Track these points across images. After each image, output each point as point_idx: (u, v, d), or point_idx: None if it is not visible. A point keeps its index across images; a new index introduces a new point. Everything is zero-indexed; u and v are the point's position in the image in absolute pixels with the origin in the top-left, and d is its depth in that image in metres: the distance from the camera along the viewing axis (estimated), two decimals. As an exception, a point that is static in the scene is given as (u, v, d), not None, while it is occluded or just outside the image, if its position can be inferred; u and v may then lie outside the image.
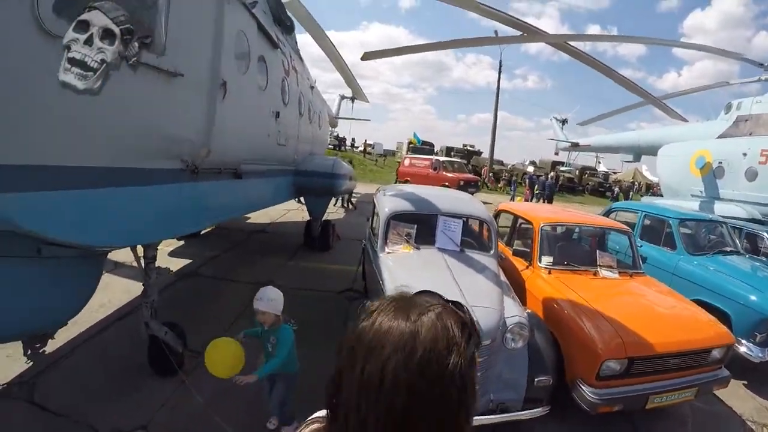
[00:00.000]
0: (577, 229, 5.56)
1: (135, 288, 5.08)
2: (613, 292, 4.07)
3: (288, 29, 6.58)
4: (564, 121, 27.54)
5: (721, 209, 9.18)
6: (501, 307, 3.12)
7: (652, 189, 33.10)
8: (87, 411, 3.09)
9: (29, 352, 2.94)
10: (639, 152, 16.03)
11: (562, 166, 31.16)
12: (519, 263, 4.63)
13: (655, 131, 14.91)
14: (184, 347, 3.60)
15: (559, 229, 5.24)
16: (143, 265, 3.57)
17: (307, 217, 10.80)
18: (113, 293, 5.00)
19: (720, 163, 10.22)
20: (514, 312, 3.16)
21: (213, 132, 3.53)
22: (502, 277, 3.86)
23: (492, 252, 4.22)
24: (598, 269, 4.33)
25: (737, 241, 6.13)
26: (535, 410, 3.03)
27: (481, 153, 36.98)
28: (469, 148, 37.87)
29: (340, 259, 7.69)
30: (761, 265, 5.59)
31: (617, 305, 3.65)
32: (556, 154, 29.22)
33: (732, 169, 9.90)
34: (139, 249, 3.60)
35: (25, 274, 2.37)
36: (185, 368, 3.59)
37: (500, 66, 27.87)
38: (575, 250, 5.18)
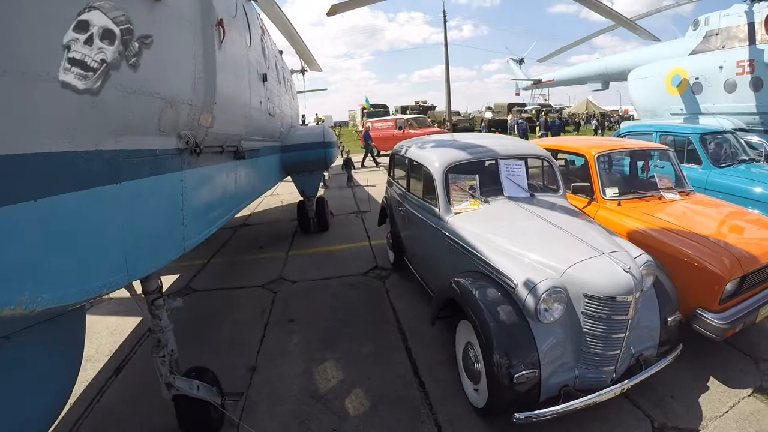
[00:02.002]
0: (620, 157, 5.16)
1: (122, 326, 4.17)
2: (689, 212, 3.81)
3: None
4: (521, 61, 27.34)
5: (706, 123, 9.34)
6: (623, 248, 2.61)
7: (608, 117, 34.13)
8: None
9: None
10: (607, 79, 16.07)
11: (520, 107, 31.13)
12: (577, 200, 4.15)
13: (621, 57, 14.85)
14: (221, 396, 2.66)
15: (608, 159, 4.81)
16: (146, 304, 2.43)
17: (285, 200, 9.88)
18: (99, 339, 3.94)
19: (697, 78, 10.37)
20: (634, 251, 2.68)
21: (216, 91, 2.61)
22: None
23: (561, 192, 3.69)
24: (661, 192, 4.10)
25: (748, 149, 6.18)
26: (675, 353, 2.66)
27: (435, 107, 36.92)
28: (422, 104, 38.11)
29: (343, 236, 6.89)
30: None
31: (703, 225, 3.44)
32: (517, 94, 29.18)
33: (710, 83, 10.10)
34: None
35: None
36: (228, 419, 2.72)
37: (444, 13, 26.44)
38: (630, 177, 4.85)
